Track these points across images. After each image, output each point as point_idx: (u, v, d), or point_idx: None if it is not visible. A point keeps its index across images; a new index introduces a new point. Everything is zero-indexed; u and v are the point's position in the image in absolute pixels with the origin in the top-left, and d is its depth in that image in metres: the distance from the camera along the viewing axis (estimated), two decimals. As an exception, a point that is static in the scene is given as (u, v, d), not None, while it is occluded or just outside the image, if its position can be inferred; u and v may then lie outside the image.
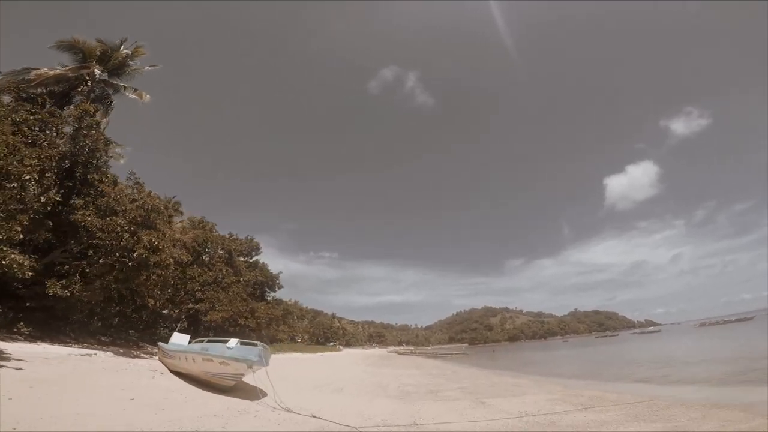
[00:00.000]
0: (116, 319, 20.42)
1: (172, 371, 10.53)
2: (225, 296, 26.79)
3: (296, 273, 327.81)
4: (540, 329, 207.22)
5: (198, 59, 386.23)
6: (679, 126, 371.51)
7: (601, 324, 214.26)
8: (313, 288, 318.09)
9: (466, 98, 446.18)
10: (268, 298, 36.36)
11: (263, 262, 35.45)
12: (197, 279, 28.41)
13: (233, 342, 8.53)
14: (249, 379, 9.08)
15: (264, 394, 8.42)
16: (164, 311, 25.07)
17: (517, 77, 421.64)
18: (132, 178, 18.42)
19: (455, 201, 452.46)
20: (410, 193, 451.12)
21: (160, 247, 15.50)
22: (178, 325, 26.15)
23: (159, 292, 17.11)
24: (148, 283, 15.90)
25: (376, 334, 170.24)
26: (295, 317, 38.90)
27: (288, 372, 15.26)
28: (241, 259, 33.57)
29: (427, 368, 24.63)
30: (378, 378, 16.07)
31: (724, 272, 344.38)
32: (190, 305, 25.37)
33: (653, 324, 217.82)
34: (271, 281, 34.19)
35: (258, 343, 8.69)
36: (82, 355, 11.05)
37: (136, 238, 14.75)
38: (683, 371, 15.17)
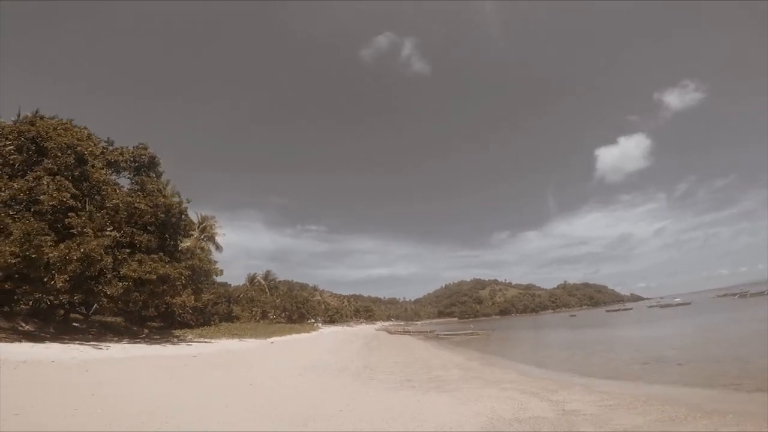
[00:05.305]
0: None
1: None
2: (23, 226, 12.26)
3: (285, 247, 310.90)
4: (531, 302, 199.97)
5: (170, 34, 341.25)
6: (674, 99, 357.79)
7: (592, 298, 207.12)
8: (303, 263, 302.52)
9: (458, 68, 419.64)
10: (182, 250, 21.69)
11: (161, 182, 19.51)
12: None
13: None
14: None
15: None
16: None
17: (508, 46, 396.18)
18: None
19: (443, 172, 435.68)
20: (399, 164, 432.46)
21: None
22: None
23: None
24: None
25: (363, 309, 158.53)
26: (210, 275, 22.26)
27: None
28: (115, 176, 18.61)
29: (476, 391, 10.42)
30: None
31: (706, 245, 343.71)
32: None
33: (639, 298, 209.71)
34: (168, 213, 17.88)
35: None
36: None
37: None
38: None
